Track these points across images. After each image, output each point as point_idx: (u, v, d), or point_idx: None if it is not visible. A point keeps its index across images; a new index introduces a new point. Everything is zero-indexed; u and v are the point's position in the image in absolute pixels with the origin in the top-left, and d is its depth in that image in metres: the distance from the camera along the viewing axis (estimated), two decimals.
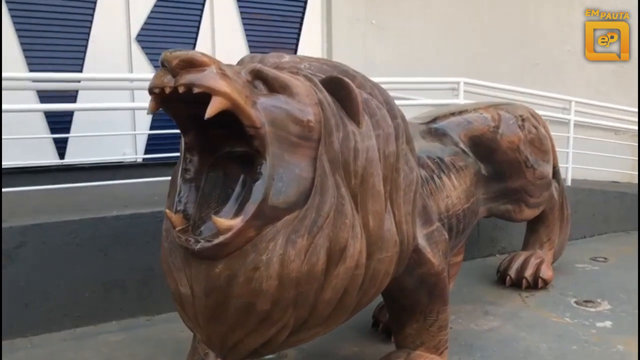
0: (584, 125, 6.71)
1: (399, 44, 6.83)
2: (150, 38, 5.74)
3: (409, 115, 2.86)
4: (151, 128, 5.71)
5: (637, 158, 7.33)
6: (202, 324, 1.95)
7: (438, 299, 2.62)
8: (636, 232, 6.12)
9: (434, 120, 3.28)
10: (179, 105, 1.86)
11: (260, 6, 6.32)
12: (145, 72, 5.61)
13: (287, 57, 2.19)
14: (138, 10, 5.70)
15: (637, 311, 3.82)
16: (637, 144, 7.43)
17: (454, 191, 2.95)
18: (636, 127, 7.40)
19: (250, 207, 1.82)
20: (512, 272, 4.27)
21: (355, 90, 2.05)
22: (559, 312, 3.83)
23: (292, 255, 1.86)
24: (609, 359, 3.14)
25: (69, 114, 5.32)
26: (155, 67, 5.73)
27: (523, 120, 3.59)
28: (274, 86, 1.93)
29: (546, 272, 4.23)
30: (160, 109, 1.84)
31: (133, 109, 5.55)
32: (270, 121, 1.85)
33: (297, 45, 6.54)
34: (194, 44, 5.97)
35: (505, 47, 7.40)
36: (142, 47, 5.71)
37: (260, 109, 1.84)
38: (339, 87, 2.06)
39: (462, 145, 3.23)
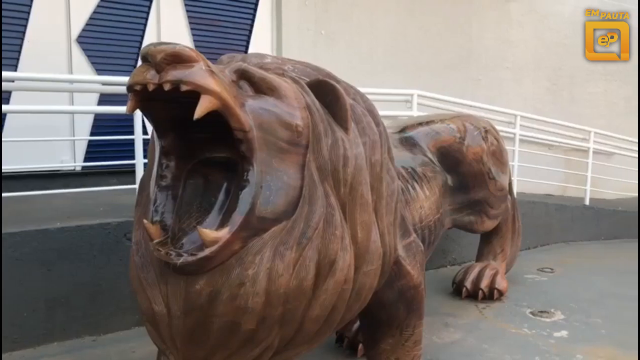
0: (522, 139, 6.93)
1: (348, 56, 6.82)
2: (92, 40, 5.42)
3: None
4: (92, 134, 5.38)
5: (571, 172, 7.67)
6: (180, 346, 1.78)
7: (415, 312, 2.55)
8: (576, 244, 6.37)
9: (404, 130, 3.24)
10: (158, 105, 1.69)
11: (209, 11, 6.13)
12: (86, 74, 5.28)
13: (269, 58, 2.07)
14: (79, 11, 5.37)
15: (589, 320, 3.92)
16: (569, 158, 7.77)
17: (426, 202, 2.91)
18: (569, 142, 7.74)
19: (237, 218, 1.68)
20: (468, 284, 4.28)
21: (345, 95, 1.95)
22: (516, 323, 3.86)
23: (280, 269, 1.72)
24: None
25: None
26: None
27: (486, 132, 3.62)
28: (261, 87, 1.80)
29: (501, 283, 4.27)
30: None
31: (72, 113, 5.20)
32: (259, 125, 1.72)
33: (246, 52, 6.39)
34: (139, 47, 5.69)
35: (450, 63, 7.56)
36: (83, 49, 5.38)
37: (248, 111, 1.71)
38: (327, 91, 1.96)
39: (430, 155, 3.21)
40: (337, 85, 1.96)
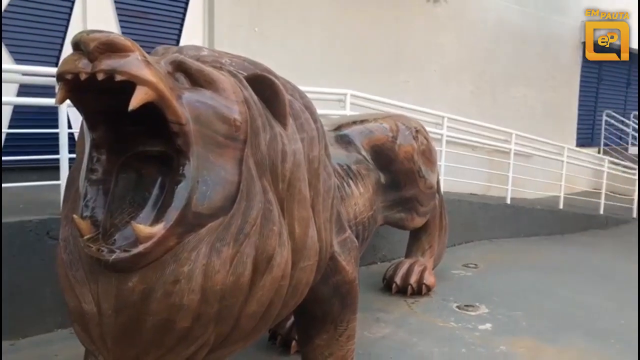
0: (449, 140, 7.17)
1: (281, 54, 6.80)
2: (11, 29, 5.12)
3: None
4: (10, 127, 5.07)
5: (494, 172, 8.02)
6: (110, 346, 1.71)
7: (349, 307, 2.58)
8: (498, 240, 6.68)
9: (339, 128, 3.27)
10: (89, 96, 1.62)
11: (138, 2, 5.94)
12: (4, 63, 4.97)
13: (206, 51, 2.03)
14: None
15: (511, 313, 4.12)
16: (492, 159, 8.13)
17: (360, 199, 2.95)
18: (492, 144, 8.09)
19: (173, 213, 1.64)
20: (398, 279, 4.39)
21: (283, 91, 1.95)
22: (443, 317, 4.00)
23: (216, 266, 1.70)
24: (495, 359, 3.33)
25: None
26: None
27: (417, 132, 3.73)
28: (198, 80, 1.76)
29: (429, 279, 4.41)
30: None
31: None
32: (195, 118, 1.69)
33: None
34: (63, 38, 5.43)
35: (381, 64, 7.71)
36: (1, 37, 5.06)
37: (185, 104, 1.67)
38: (265, 86, 1.95)
39: (364, 154, 3.26)
40: (276, 80, 1.96)
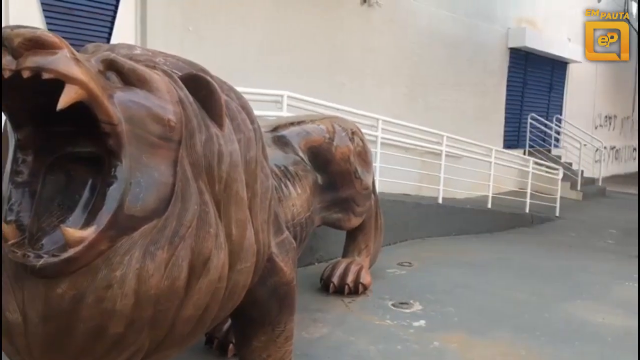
0: (383, 142, 7.31)
1: (218, 55, 6.71)
2: None
3: None
4: None
5: (426, 173, 8.26)
6: (38, 355, 1.64)
7: (287, 309, 2.59)
8: (431, 239, 6.88)
9: (276, 129, 3.27)
10: (14, 94, 1.55)
11: None
12: None
13: (139, 50, 1.98)
14: None
15: (444, 309, 4.25)
16: (425, 160, 8.36)
17: (298, 200, 2.97)
18: (424, 145, 8.33)
19: (104, 216, 1.59)
20: (335, 279, 4.44)
21: (219, 91, 1.93)
22: (379, 315, 4.07)
23: (150, 270, 1.66)
24: (429, 355, 3.44)
25: None
26: None
27: (352, 133, 3.78)
28: (130, 79, 1.72)
29: (365, 278, 4.48)
30: None
31: None
32: (128, 118, 1.65)
33: None
34: None
35: (318, 66, 7.76)
36: None
37: (117, 104, 1.63)
38: (200, 86, 1.92)
39: (301, 155, 3.27)
40: (212, 80, 1.94)
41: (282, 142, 3.20)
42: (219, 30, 6.82)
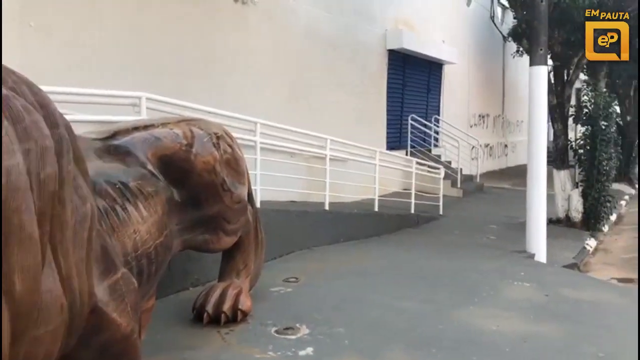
0: (265, 147, 6.82)
1: (69, 53, 5.84)
2: None
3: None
4: None
5: (313, 178, 7.87)
6: None
7: None
8: (319, 248, 6.48)
9: (114, 136, 2.62)
10: None
11: None
12: None
13: None
14: None
15: (332, 330, 3.82)
16: (311, 165, 7.99)
17: (143, 225, 2.35)
18: (309, 150, 7.96)
19: None
20: (210, 308, 3.84)
21: None
22: (261, 346, 3.55)
23: None
24: None
25: None
26: None
27: (218, 138, 3.21)
28: None
29: (245, 303, 3.93)
30: None
31: None
32: None
33: None
34: None
35: (190, 67, 7.07)
36: None
37: None
38: None
39: (150, 167, 2.65)
40: None
41: (121, 152, 2.55)
42: (70, 27, 5.94)
